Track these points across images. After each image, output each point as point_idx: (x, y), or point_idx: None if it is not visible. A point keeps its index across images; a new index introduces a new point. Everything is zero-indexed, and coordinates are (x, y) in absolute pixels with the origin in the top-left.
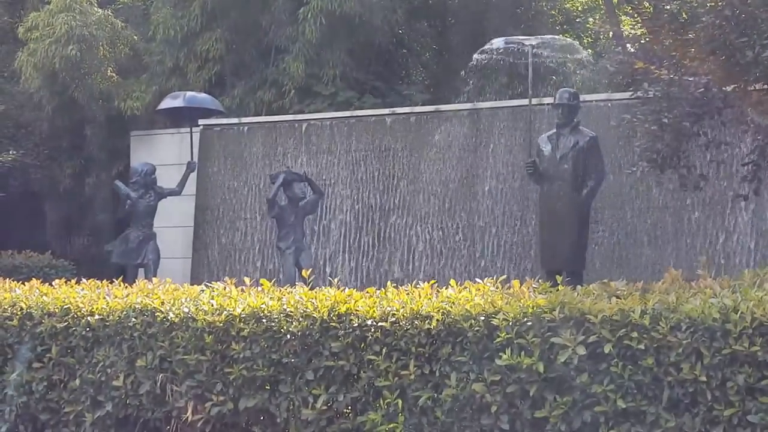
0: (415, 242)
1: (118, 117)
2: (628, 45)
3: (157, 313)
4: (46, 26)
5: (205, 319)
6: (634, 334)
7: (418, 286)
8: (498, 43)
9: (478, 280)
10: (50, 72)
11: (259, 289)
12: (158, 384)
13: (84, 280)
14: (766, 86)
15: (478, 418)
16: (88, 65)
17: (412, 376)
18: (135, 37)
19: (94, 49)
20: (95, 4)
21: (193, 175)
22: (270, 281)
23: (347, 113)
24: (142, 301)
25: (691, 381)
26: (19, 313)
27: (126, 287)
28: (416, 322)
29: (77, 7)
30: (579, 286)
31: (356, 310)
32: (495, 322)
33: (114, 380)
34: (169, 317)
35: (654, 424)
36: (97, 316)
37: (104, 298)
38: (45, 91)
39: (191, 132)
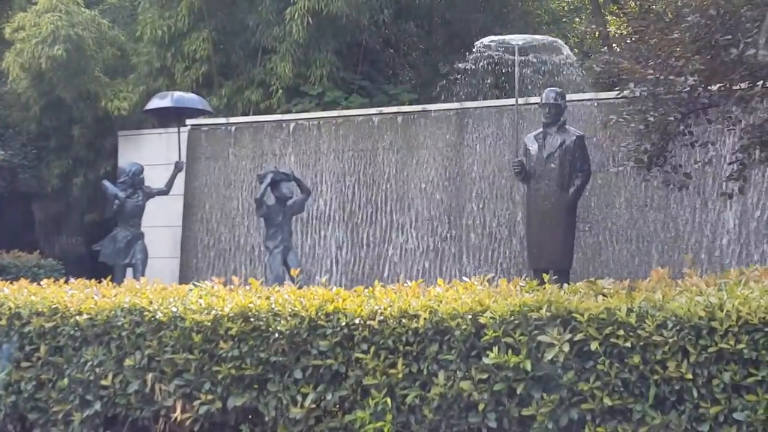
0: (403, 241)
1: (106, 117)
2: (614, 45)
3: (146, 313)
4: (32, 26)
5: (193, 319)
6: (621, 332)
7: (405, 284)
8: (484, 43)
9: (465, 278)
10: (37, 72)
11: (248, 288)
12: (147, 383)
13: (72, 279)
14: (750, 84)
15: (466, 417)
16: (75, 65)
17: (400, 375)
18: (122, 38)
19: (81, 50)
20: (82, 5)
21: (181, 175)
22: (258, 280)
23: (334, 113)
24: (130, 301)
25: (677, 379)
26: (7, 312)
27: (114, 287)
28: (404, 321)
29: (63, 8)
30: (566, 285)
31: (344, 309)
32: (482, 320)
33: (102, 379)
34: (157, 316)
35: (640, 421)
36: (85, 316)
37: (92, 297)
38: (32, 92)
39: (179, 132)
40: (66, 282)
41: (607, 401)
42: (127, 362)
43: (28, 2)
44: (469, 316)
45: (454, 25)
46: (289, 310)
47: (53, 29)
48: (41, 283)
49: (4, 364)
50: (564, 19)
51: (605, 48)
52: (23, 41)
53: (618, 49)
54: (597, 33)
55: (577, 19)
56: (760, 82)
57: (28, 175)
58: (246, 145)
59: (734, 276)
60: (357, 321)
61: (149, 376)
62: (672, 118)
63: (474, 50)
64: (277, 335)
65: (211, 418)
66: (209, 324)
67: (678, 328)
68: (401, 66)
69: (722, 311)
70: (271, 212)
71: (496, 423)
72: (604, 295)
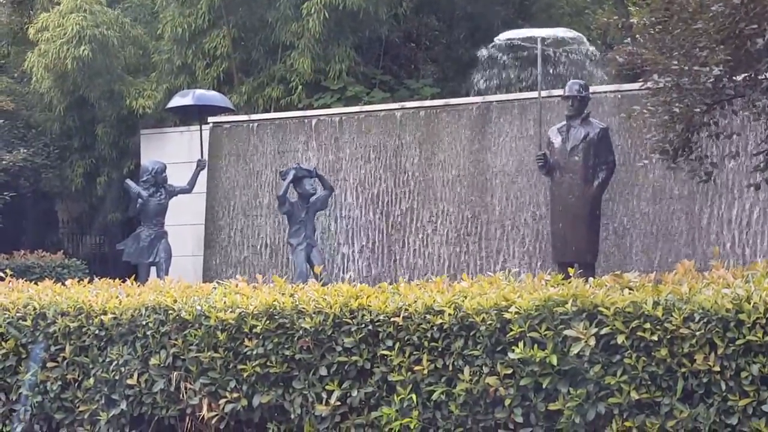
0: (426, 236)
1: (129, 115)
2: (638, 36)
3: (170, 311)
4: (56, 27)
5: (218, 317)
6: (647, 326)
7: (430, 280)
8: (507, 36)
9: (490, 273)
10: (61, 72)
11: (272, 285)
12: (172, 382)
13: (96, 279)
14: None
15: (492, 412)
16: (100, 65)
17: (426, 371)
18: (144, 36)
19: (106, 49)
20: (105, 4)
21: (204, 173)
22: (282, 278)
23: (356, 108)
24: (154, 300)
25: (704, 371)
26: (32, 313)
27: (138, 286)
28: (429, 317)
29: (87, 8)
30: (591, 279)
31: (369, 306)
32: (507, 315)
33: (128, 379)
34: (181, 315)
35: (668, 415)
36: (110, 315)
37: (117, 297)
38: (56, 92)
39: (201, 129)
40: (90, 282)
41: (635, 395)
42: (153, 361)
43: (51, 3)
44: (494, 312)
45: (476, 18)
46: (314, 307)
47: (78, 29)
48: (66, 283)
49: (30, 365)
50: (586, 11)
51: (628, 39)
52: (48, 42)
53: (641, 40)
54: (620, 24)
55: (599, 11)
56: None
57: (51, 175)
58: (268, 142)
59: (761, 268)
60: (382, 317)
61: (174, 375)
62: (697, 109)
63: (494, 44)
64: (301, 332)
65: (237, 416)
66: (234, 322)
67: (705, 320)
68: (423, 60)
69: (749, 303)
70: (294, 209)
71: (522, 418)
72: (630, 288)
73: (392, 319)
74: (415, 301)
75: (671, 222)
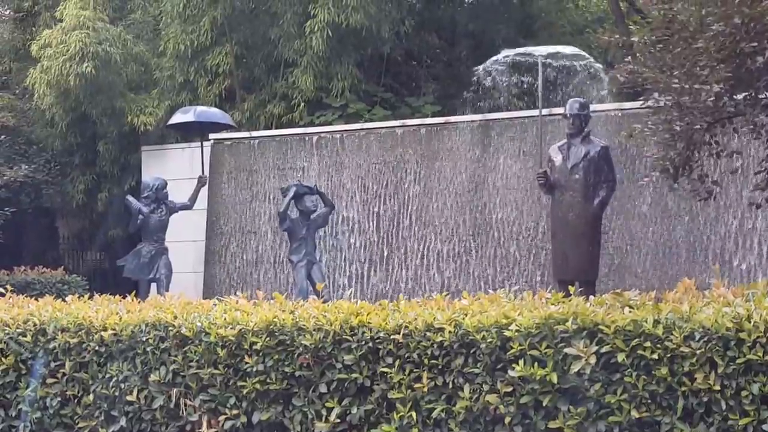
0: (427, 254)
1: (130, 132)
2: (638, 54)
3: (170, 328)
4: (59, 44)
5: (218, 333)
6: (648, 344)
7: (430, 297)
8: (507, 54)
9: (490, 291)
10: (64, 89)
11: (272, 302)
12: (172, 398)
13: (96, 295)
14: None
15: (492, 430)
16: (103, 82)
17: (426, 388)
18: (146, 53)
19: (109, 66)
20: (107, 21)
21: (205, 189)
22: (282, 294)
23: (357, 126)
24: (154, 316)
25: (705, 390)
26: (32, 328)
27: (138, 302)
28: (429, 334)
29: (90, 25)
30: (592, 297)
31: (369, 323)
32: (508, 333)
33: (127, 395)
34: (182, 331)
35: None
36: (110, 331)
37: (117, 313)
38: (58, 108)
39: (202, 146)
40: (90, 298)
41: (635, 414)
42: (152, 377)
43: (53, 19)
44: (495, 329)
45: (477, 37)
46: (314, 324)
47: (81, 46)
48: (66, 299)
49: (30, 381)
50: (587, 29)
51: (629, 58)
52: (50, 58)
53: (642, 59)
54: (620, 43)
55: (600, 29)
56: None
57: (52, 191)
58: (269, 159)
59: (762, 287)
60: (382, 335)
61: (174, 392)
62: (698, 127)
63: (497, 61)
64: (301, 349)
65: None
66: (234, 339)
67: (705, 339)
68: (424, 78)
69: (750, 322)
70: (295, 226)
71: None
72: (630, 306)
73: (392, 337)
74: (416, 319)
75: (672, 240)
